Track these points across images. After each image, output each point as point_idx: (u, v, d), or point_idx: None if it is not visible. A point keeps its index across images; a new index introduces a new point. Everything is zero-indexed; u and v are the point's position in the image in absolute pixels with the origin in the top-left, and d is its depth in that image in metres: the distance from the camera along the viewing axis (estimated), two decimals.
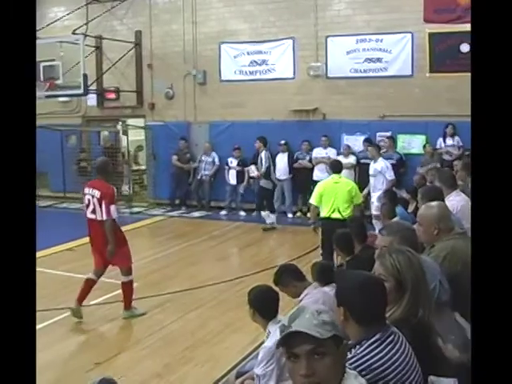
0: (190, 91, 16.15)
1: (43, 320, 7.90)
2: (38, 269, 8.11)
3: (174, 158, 15.78)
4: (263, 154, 13.91)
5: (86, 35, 15.38)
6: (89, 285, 8.11)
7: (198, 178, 15.74)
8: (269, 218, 13.53)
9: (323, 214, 9.14)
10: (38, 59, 15.32)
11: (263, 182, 13.73)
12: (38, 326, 7.64)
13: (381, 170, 11.43)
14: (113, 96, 17.00)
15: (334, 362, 2.35)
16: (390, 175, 11.53)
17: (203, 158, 15.52)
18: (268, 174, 13.77)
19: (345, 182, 9.62)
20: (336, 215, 8.90)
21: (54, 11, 17.50)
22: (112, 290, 9.09)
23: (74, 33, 15.38)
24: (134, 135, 17.47)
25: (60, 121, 17.43)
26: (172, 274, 10.17)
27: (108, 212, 7.58)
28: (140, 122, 17.03)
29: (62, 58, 15.29)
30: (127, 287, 8.10)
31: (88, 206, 7.76)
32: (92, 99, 16.86)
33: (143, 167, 17.91)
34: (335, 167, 9.66)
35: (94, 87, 16.09)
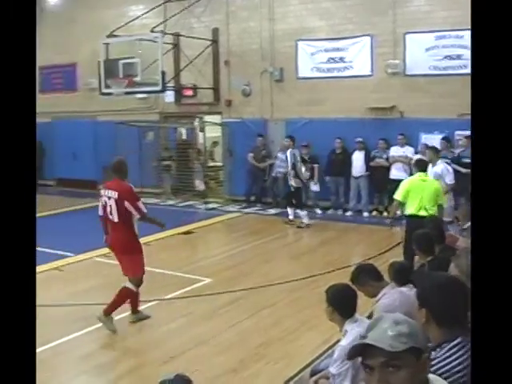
0: (267, 88, 16.15)
1: (121, 312, 8.07)
2: (116, 262, 8.27)
3: (250, 155, 15.82)
4: (288, 153, 13.75)
5: (164, 33, 15.60)
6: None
7: (273, 175, 15.72)
8: (303, 216, 13.60)
9: (409, 211, 8.95)
10: (117, 56, 15.71)
11: (293, 181, 13.61)
12: (117, 318, 7.85)
13: (441, 172, 11.02)
14: (190, 93, 17.17)
15: (412, 375, 2.25)
16: (450, 179, 11.13)
17: (279, 155, 15.48)
18: (295, 173, 13.62)
19: (431, 180, 9.44)
20: (423, 213, 8.70)
21: (133, 10, 17.83)
22: (187, 285, 9.20)
23: (152, 31, 15.62)
24: (210, 132, 17.63)
25: (138, 117, 17.77)
26: (246, 270, 10.18)
27: (139, 210, 7.39)
28: (217, 118, 17.16)
29: (140, 56, 15.54)
30: (123, 293, 7.60)
31: (105, 207, 7.49)
32: (169, 96, 17.07)
33: (219, 163, 18.03)
34: (421, 166, 9.44)
35: (171, 84, 16.31)
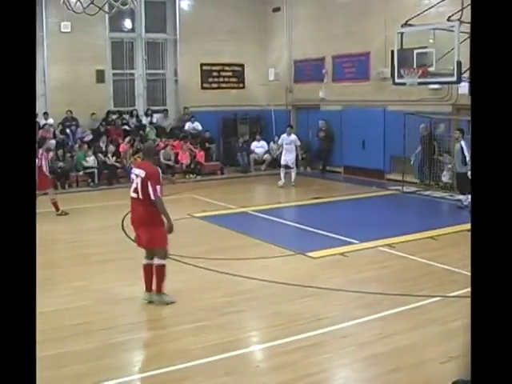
0: None
1: (404, 304, 8.05)
2: (400, 253, 8.27)
3: None
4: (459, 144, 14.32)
5: (461, 21, 15.05)
6: (146, 270, 8.20)
7: None
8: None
9: None
10: (410, 46, 15.57)
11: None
12: (398, 309, 7.85)
13: None
14: None
15: None
16: None
17: None
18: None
19: None
20: None
21: None
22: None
23: (448, 19, 15.17)
24: None
25: (428, 108, 17.47)
26: None
27: (155, 192, 7.71)
28: None
29: (433, 45, 15.20)
30: (159, 270, 8.05)
31: (132, 184, 8.02)
32: (463, 87, 16.46)
33: None
34: None
35: (466, 75, 15.72)
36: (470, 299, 7.93)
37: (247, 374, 6.33)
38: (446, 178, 17.15)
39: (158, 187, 7.80)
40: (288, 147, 18.27)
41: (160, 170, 8.19)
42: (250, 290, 8.86)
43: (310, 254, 10.65)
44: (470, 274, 8.94)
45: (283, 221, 13.74)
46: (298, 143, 18.58)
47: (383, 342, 6.97)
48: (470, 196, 13.84)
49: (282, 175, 18.19)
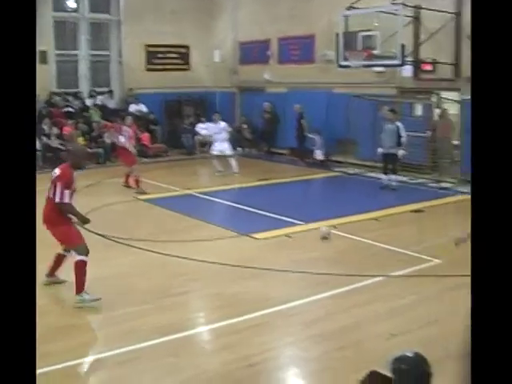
0: None
1: (348, 284, 8.14)
2: (344, 234, 8.38)
3: None
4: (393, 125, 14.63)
5: (404, 5, 15.21)
6: (56, 258, 8.07)
7: None
8: None
9: None
10: (355, 29, 15.67)
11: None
12: (342, 289, 7.93)
13: None
14: (429, 68, 16.61)
15: None
16: None
17: None
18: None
19: None
20: None
21: None
22: (415, 264, 9.01)
23: (393, 3, 15.31)
24: (448, 109, 17.04)
25: (373, 91, 17.64)
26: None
27: (61, 195, 7.38)
28: (455, 95, 16.47)
29: (378, 28, 15.33)
30: (78, 266, 7.47)
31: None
32: (407, 70, 16.66)
33: (455, 142, 17.31)
34: None
35: (410, 58, 15.91)
36: (414, 278, 8.11)
37: (194, 355, 6.30)
38: (317, 155, 18.59)
39: (66, 192, 7.40)
40: (219, 136, 17.14)
41: (73, 176, 7.62)
42: (194, 271, 8.81)
43: (255, 235, 10.65)
44: (412, 253, 9.15)
45: (228, 202, 13.71)
46: (229, 129, 17.62)
47: (329, 321, 7.05)
48: (392, 176, 14.80)
49: (217, 163, 17.13)
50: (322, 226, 10.83)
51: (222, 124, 17.34)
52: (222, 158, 17.17)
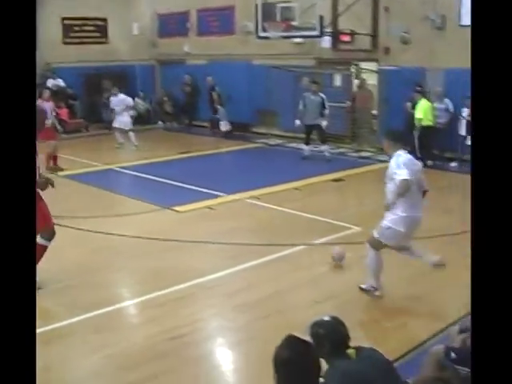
0: (427, 36, 15.44)
1: (270, 253, 8.21)
2: (266, 205, 8.44)
3: (408, 105, 15.24)
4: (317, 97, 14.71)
5: None
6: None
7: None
8: None
9: None
10: (275, 0, 15.63)
11: None
12: (265, 259, 7.99)
13: None
14: (347, 39, 16.79)
15: None
16: None
17: (435, 105, 14.86)
18: None
19: None
20: None
21: None
22: (336, 232, 9.16)
23: None
24: (366, 79, 17.29)
25: (293, 62, 17.71)
26: None
27: None
28: (373, 66, 16.73)
29: (297, 0, 15.36)
30: (37, 250, 6.40)
31: None
32: (326, 41, 16.80)
33: (374, 112, 17.62)
34: None
35: (328, 29, 16.03)
36: (334, 246, 8.20)
37: (119, 330, 6.25)
38: (222, 126, 18.90)
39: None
40: (118, 109, 17.18)
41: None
42: (116, 246, 8.72)
43: (177, 208, 10.60)
44: (332, 221, 9.27)
45: (149, 176, 13.54)
46: (131, 103, 17.70)
47: (252, 291, 7.10)
48: (323, 147, 15.03)
49: (119, 136, 17.25)
50: (245, 197, 10.87)
51: (121, 96, 17.39)
52: (123, 130, 17.22)
